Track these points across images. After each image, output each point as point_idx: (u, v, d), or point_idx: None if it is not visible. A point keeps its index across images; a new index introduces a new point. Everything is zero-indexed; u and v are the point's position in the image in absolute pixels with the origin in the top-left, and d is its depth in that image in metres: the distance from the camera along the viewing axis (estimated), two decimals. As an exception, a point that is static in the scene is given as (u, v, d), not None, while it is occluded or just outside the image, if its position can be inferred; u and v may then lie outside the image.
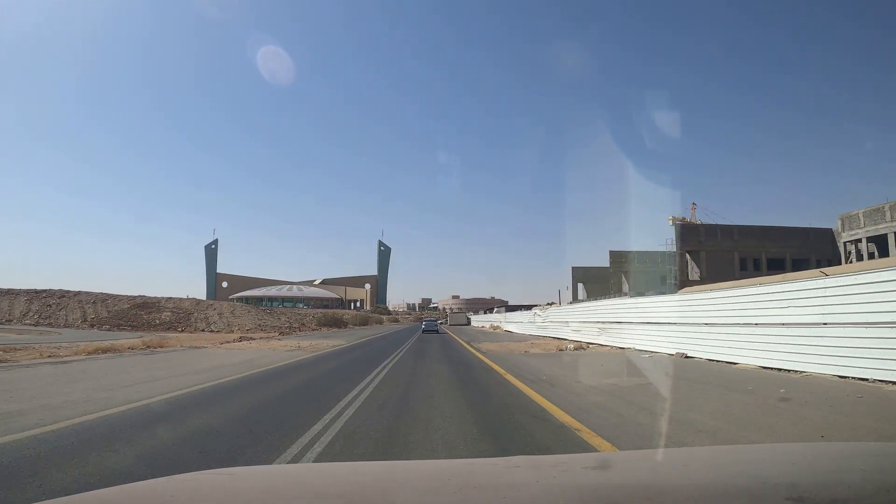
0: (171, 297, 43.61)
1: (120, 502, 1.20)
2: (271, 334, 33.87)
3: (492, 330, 40.97)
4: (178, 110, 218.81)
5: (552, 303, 57.12)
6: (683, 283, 43.19)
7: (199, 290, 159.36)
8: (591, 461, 1.70)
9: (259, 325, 38.15)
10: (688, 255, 45.42)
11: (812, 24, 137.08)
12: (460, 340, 27.68)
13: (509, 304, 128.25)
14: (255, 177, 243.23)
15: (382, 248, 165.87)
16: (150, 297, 43.14)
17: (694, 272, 44.52)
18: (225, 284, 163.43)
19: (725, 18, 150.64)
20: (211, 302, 43.62)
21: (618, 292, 59.48)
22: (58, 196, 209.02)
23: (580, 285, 70.56)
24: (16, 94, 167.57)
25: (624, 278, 61.10)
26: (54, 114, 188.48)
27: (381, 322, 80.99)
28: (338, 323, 52.04)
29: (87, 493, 1.23)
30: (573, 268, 70.71)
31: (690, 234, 45.23)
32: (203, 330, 36.16)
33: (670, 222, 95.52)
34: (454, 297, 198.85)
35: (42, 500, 1.18)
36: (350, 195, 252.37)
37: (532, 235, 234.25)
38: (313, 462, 4.25)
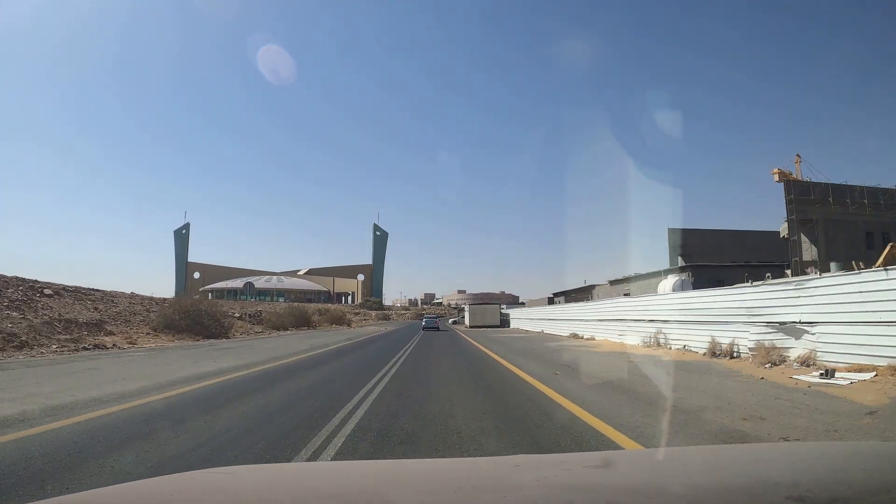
0: None
1: (119, 501, 1.14)
2: None
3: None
4: (159, 90, 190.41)
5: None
6: None
7: (168, 283, 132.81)
8: (592, 460, 1.59)
9: None
10: None
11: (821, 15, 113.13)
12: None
13: (519, 299, 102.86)
14: (237, 159, 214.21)
15: (378, 232, 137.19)
16: None
17: None
18: (197, 275, 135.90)
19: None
20: None
21: (810, 266, 30.88)
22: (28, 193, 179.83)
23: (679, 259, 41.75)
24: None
25: (806, 240, 32.65)
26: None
27: (344, 321, 45.01)
28: (206, 326, 21.99)
29: (85, 492, 1.22)
30: (670, 230, 41.79)
31: None
32: None
33: (775, 178, 66.81)
34: (460, 291, 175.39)
35: (39, 499, 1.15)
36: (345, 186, 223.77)
37: (540, 230, 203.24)
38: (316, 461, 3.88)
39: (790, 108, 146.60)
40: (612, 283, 39.79)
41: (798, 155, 69.84)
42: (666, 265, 40.10)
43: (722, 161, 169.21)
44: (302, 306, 37.76)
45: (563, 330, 26.09)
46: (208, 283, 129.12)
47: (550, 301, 53.46)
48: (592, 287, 44.31)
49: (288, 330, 30.75)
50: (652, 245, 38.05)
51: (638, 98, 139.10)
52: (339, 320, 44.50)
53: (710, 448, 3.33)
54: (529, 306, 50.45)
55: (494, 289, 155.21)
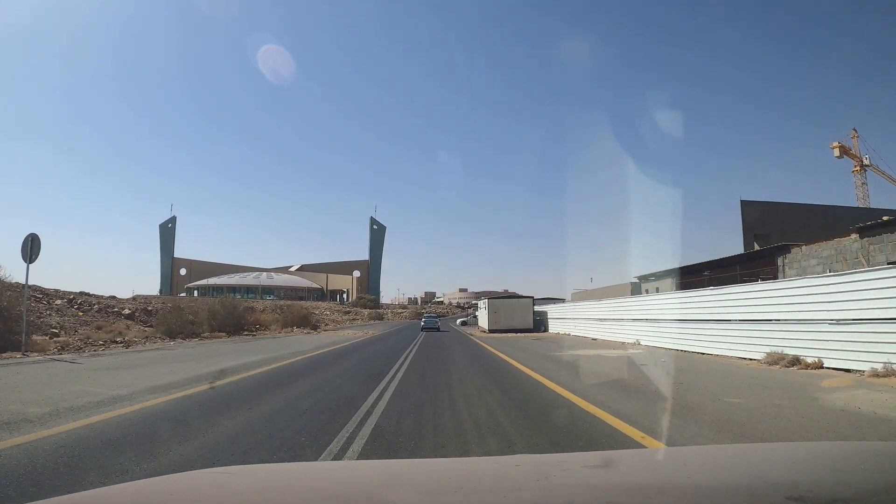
0: None
1: (119, 502, 1.13)
2: None
3: None
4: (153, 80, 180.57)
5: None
6: None
7: (153, 280, 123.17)
8: (592, 460, 1.57)
9: None
10: None
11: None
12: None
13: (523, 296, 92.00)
14: (227, 152, 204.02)
15: (375, 226, 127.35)
16: None
17: None
18: (183, 271, 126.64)
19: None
20: None
21: None
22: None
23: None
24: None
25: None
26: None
27: (308, 323, 32.56)
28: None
29: (85, 491, 1.21)
30: (743, 203, 31.77)
31: None
32: None
33: (836, 152, 57.18)
34: (461, 289, 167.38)
35: (38, 499, 1.08)
36: (345, 185, 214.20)
37: (542, 228, 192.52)
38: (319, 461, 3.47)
39: (790, 108, 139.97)
40: (866, 231, 18.29)
41: (854, 129, 60.36)
42: (739, 247, 30.20)
43: (723, 160, 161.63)
44: (234, 301, 26.83)
45: (710, 341, 12.79)
46: (196, 280, 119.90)
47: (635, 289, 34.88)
48: (785, 250, 21.91)
49: (196, 338, 19.75)
50: (657, 244, 28.08)
51: (638, 97, 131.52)
52: (303, 322, 32.43)
53: (711, 448, 3.28)
54: (576, 300, 35.37)
55: (497, 287, 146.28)
